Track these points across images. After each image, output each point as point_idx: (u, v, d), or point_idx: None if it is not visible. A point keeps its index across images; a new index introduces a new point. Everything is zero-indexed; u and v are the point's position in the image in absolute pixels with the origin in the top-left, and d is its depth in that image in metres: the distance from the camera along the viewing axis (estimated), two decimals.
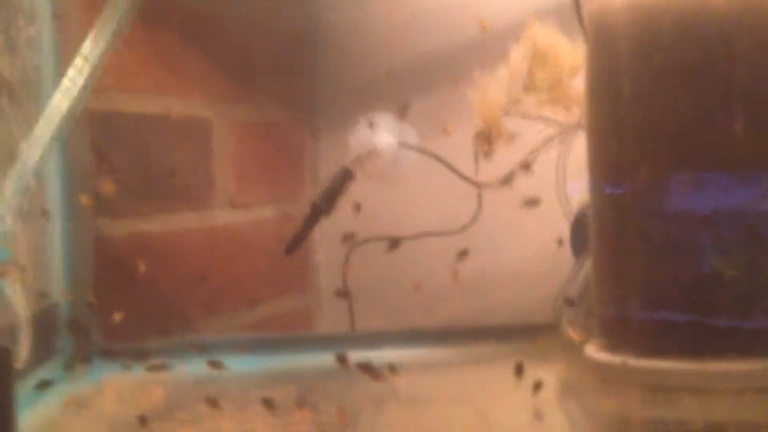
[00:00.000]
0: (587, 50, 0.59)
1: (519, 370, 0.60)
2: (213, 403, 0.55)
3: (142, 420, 0.52)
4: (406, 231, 0.85)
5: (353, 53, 1.15)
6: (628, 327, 0.57)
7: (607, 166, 0.58)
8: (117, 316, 0.70)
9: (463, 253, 0.71)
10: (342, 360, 0.63)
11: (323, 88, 1.18)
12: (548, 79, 0.62)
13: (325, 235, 1.20)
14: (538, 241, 0.80)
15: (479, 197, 0.77)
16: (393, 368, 0.61)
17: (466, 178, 0.71)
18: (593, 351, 0.60)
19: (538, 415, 0.54)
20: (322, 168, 1.20)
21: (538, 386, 0.56)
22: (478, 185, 0.72)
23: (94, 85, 0.71)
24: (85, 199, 0.77)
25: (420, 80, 1.03)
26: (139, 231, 0.91)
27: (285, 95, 1.14)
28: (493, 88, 0.64)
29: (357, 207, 0.78)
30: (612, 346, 0.59)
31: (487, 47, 0.70)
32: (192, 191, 0.99)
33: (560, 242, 0.77)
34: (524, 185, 0.77)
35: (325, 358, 0.66)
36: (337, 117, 1.18)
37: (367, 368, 0.60)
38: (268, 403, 0.54)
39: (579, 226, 0.70)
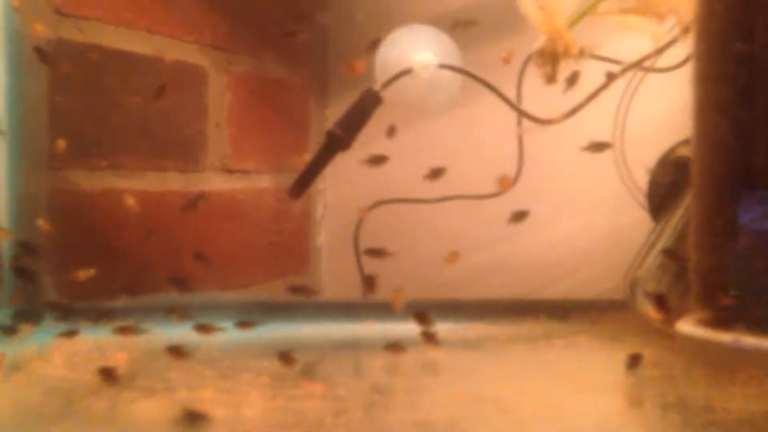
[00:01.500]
0: None
1: (634, 362, 0.46)
2: (186, 367, 0.41)
3: (91, 387, 0.37)
4: (431, 193, 0.71)
5: (367, 7, 1.03)
6: (744, 298, 0.44)
7: (728, 101, 0.44)
8: (81, 273, 0.57)
9: (518, 216, 0.57)
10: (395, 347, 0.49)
11: (335, 42, 1.05)
12: None
13: (329, 209, 1.08)
14: (591, 203, 0.67)
15: (520, 151, 0.64)
16: (431, 337, 0.48)
17: (522, 112, 0.57)
18: (691, 327, 0.47)
19: (628, 405, 0.41)
20: None
21: (634, 361, 0.43)
22: (539, 122, 0.57)
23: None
24: (61, 144, 0.64)
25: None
26: (115, 187, 0.78)
27: (291, 49, 1.01)
28: None
29: (392, 130, 0.64)
30: (717, 322, 0.45)
31: None
32: (180, 149, 0.86)
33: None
34: (572, 138, 0.63)
35: (337, 328, 0.52)
36: (348, 80, 1.05)
37: (421, 317, 0.46)
38: (287, 359, 0.40)
39: (657, 181, 0.57)
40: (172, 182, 0.86)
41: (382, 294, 0.72)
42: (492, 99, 0.66)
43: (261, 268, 0.99)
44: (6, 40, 0.69)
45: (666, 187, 0.54)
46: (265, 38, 0.97)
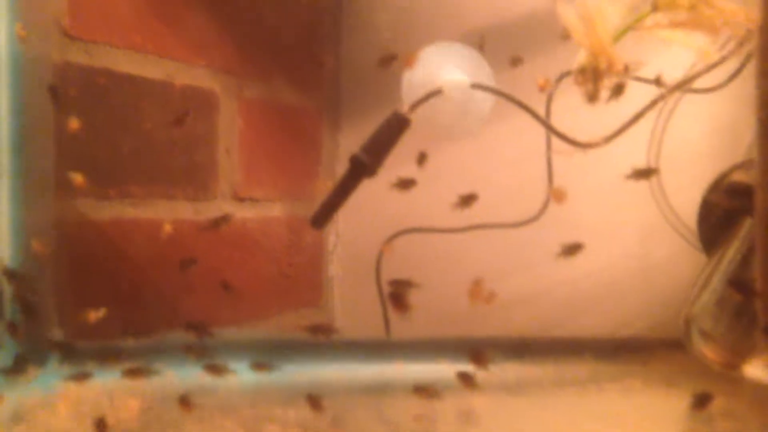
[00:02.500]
0: None
1: (702, 401, 0.41)
2: (204, 416, 0.37)
3: None
4: (451, 221, 0.68)
5: (382, 30, 1.00)
6: None
7: None
8: (92, 314, 0.53)
9: (572, 249, 0.53)
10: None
11: (347, 69, 1.02)
12: None
13: (341, 238, 1.04)
14: (624, 232, 0.63)
15: (549, 177, 0.60)
16: (469, 379, 0.43)
17: (560, 135, 0.53)
18: (762, 373, 0.42)
19: None
20: (340, 165, 1.04)
21: (702, 402, 0.38)
22: (578, 146, 0.54)
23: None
24: (78, 178, 0.60)
25: None
26: (124, 217, 0.75)
27: (303, 74, 0.98)
28: (604, 4, 0.46)
29: (422, 157, 0.60)
30: None
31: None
32: (190, 176, 0.83)
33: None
34: (603, 162, 0.60)
35: (361, 369, 0.48)
36: (362, 105, 1.02)
37: (478, 356, 0.41)
38: (316, 405, 0.36)
39: (711, 205, 0.53)
40: (181, 211, 0.82)
41: (404, 330, 0.68)
42: (517, 120, 0.63)
43: (272, 300, 0.95)
44: (11, 66, 0.66)
45: (719, 216, 0.50)
46: (276, 63, 0.94)
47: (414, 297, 0.74)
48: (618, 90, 0.48)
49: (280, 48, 0.94)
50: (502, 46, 0.66)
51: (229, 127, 0.88)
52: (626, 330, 0.58)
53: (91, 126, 0.72)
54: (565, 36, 0.47)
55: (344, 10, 1.01)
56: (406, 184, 0.57)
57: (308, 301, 1.02)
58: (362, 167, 0.59)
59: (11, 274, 0.53)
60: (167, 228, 0.61)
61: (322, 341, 0.55)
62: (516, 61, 0.57)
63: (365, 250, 1.04)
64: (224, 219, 0.66)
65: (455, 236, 0.68)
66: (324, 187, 0.99)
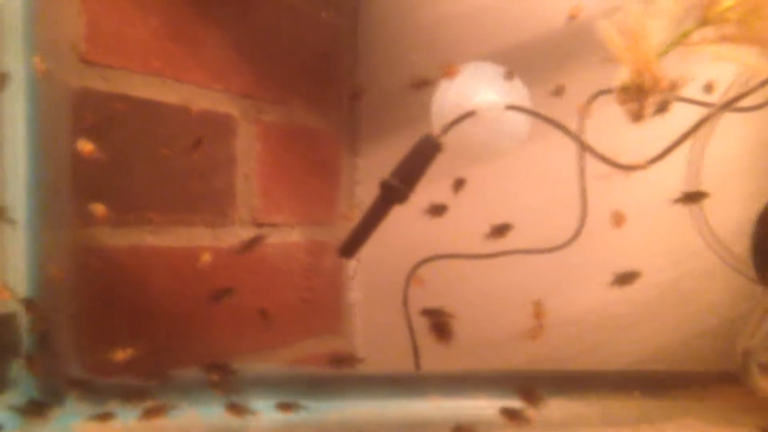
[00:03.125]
0: None
1: None
2: None
3: None
4: (482, 246, 0.65)
5: (400, 54, 0.98)
6: None
7: None
8: (119, 354, 0.50)
9: (626, 278, 0.50)
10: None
11: (367, 93, 1.00)
12: (741, 1, 0.43)
13: (362, 263, 1.02)
14: (664, 257, 0.60)
15: (583, 200, 0.58)
16: (516, 416, 0.41)
17: (602, 158, 0.51)
18: None
19: None
20: (360, 189, 1.02)
21: None
22: (621, 168, 0.51)
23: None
24: (100, 209, 0.58)
25: None
26: (142, 245, 0.73)
27: (321, 97, 0.97)
28: (647, 19, 0.44)
29: (460, 183, 0.58)
30: None
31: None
32: (208, 202, 0.81)
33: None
34: (638, 184, 0.57)
35: (394, 406, 0.45)
36: (380, 127, 1.00)
37: (529, 395, 0.39)
38: None
39: (764, 236, 0.50)
40: (200, 238, 0.80)
41: (430, 361, 0.65)
42: (546, 140, 0.61)
43: (292, 327, 0.93)
44: (27, 90, 0.64)
45: None
46: (294, 86, 0.92)
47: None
48: (663, 107, 0.46)
49: (297, 71, 0.93)
50: (527, 66, 0.65)
51: (248, 151, 0.86)
52: (667, 361, 0.55)
53: (108, 152, 0.70)
54: (605, 56, 0.45)
55: (361, 33, 1.00)
56: (438, 210, 0.55)
57: (328, 328, 0.99)
58: (393, 193, 0.56)
59: (29, 305, 0.51)
60: (206, 257, 0.59)
61: (349, 374, 0.52)
62: (559, 91, 0.55)
63: (387, 276, 1.02)
64: (257, 240, 0.64)
65: (482, 261, 0.65)
66: (345, 213, 0.97)
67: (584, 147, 0.49)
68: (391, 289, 0.96)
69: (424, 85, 0.58)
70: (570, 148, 0.58)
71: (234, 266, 0.84)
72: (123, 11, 0.71)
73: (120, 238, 0.71)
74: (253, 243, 0.63)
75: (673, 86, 0.45)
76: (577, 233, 0.57)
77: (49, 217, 0.57)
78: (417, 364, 0.61)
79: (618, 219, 0.51)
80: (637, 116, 0.45)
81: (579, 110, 0.52)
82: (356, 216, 0.62)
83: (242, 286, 0.85)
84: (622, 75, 0.45)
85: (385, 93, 0.99)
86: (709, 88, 0.46)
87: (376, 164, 1.01)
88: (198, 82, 0.79)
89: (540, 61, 0.69)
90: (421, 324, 0.73)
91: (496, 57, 0.90)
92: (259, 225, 0.88)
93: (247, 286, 0.86)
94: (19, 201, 0.55)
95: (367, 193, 1.02)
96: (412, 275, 0.63)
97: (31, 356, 0.48)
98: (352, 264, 1.03)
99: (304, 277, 0.95)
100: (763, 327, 0.48)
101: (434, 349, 0.72)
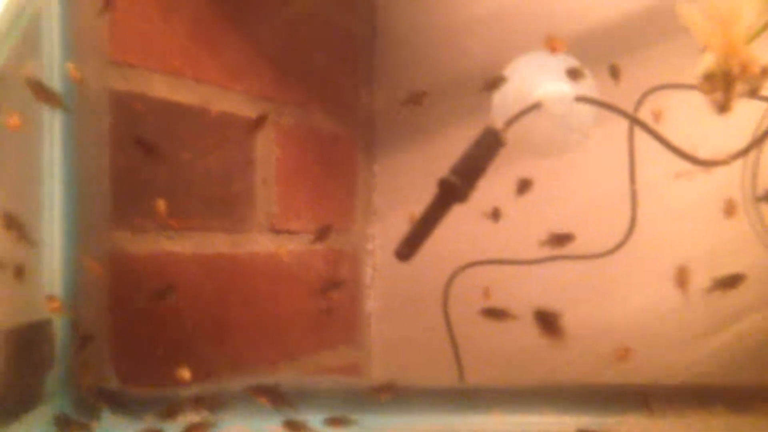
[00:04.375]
0: None
1: None
2: None
3: None
4: (526, 252, 0.62)
5: (418, 58, 0.97)
6: None
7: None
8: (184, 372, 0.47)
9: (726, 283, 0.47)
10: None
11: (382, 96, 0.98)
12: None
13: (379, 272, 0.99)
14: (723, 258, 0.57)
15: (633, 205, 0.55)
16: None
17: (679, 152, 0.47)
18: None
19: None
20: (377, 196, 1.00)
21: None
22: (702, 164, 0.47)
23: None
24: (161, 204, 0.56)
25: None
26: (161, 250, 0.70)
27: (338, 101, 0.94)
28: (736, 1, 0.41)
29: (525, 184, 0.54)
30: None
31: None
32: (227, 207, 0.78)
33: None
34: (690, 186, 0.54)
35: (450, 420, 0.42)
36: (396, 133, 0.98)
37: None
38: None
39: None
40: (219, 244, 0.77)
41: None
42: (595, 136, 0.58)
43: (309, 337, 0.90)
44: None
45: None
46: (312, 89, 0.90)
47: (471, 336, 0.69)
48: (753, 93, 0.42)
49: (315, 74, 0.91)
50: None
51: (267, 155, 0.84)
52: (743, 373, 0.52)
53: (125, 154, 0.67)
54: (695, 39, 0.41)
55: (379, 38, 0.98)
56: (495, 214, 0.52)
57: (345, 338, 0.96)
58: (453, 191, 0.53)
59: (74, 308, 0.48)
60: (285, 257, 0.56)
61: (401, 386, 0.49)
62: (615, 71, 0.52)
63: (404, 284, 0.99)
64: (325, 231, 0.61)
65: (520, 268, 0.63)
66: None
67: (662, 141, 0.47)
68: (408, 299, 0.93)
69: (497, 84, 0.55)
70: (617, 146, 0.56)
71: (251, 274, 0.82)
72: (145, 9, 0.68)
73: (139, 245, 0.69)
74: (322, 233, 0.60)
75: (765, 73, 0.41)
76: (627, 237, 0.54)
77: (86, 223, 0.54)
78: (461, 376, 0.58)
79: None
80: (723, 107, 0.42)
81: (653, 112, 0.49)
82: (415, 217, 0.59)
83: (259, 295, 0.82)
84: (706, 62, 0.42)
85: (400, 98, 0.97)
86: None
87: (392, 170, 0.99)
88: (218, 82, 0.77)
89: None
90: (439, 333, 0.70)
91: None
92: (277, 232, 0.85)
93: (263, 295, 0.83)
94: (56, 208, 0.52)
95: (383, 201, 0.99)
96: (450, 282, 0.60)
97: (84, 363, 0.45)
98: (368, 272, 1.00)
99: (320, 286, 0.92)
100: None
101: (466, 361, 0.70)
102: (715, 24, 0.40)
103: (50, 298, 0.44)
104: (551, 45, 0.50)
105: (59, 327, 0.47)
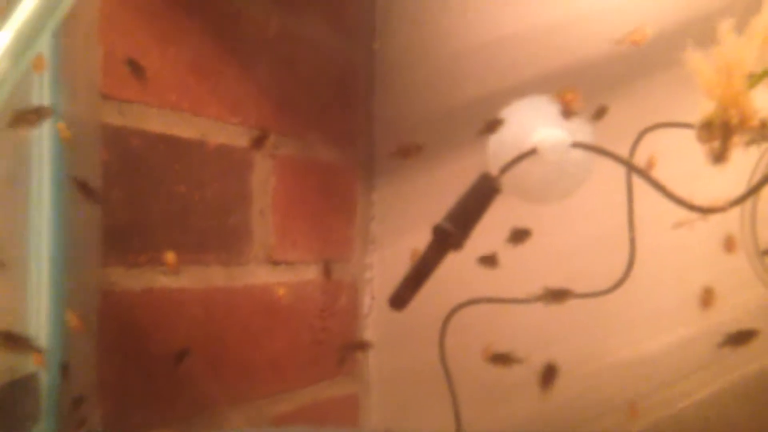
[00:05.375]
0: None
1: None
2: None
3: None
4: (508, 290, 0.61)
5: (417, 88, 0.97)
6: None
7: None
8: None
9: (738, 339, 0.46)
10: None
11: (380, 123, 0.98)
12: None
13: (377, 301, 0.98)
14: (720, 303, 0.57)
15: (632, 244, 0.55)
16: None
17: (676, 199, 0.47)
18: None
19: None
20: (375, 225, 0.99)
21: None
22: (699, 211, 0.47)
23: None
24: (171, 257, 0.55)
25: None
26: (157, 286, 0.69)
27: (336, 131, 0.94)
28: (736, 44, 0.40)
29: (522, 233, 0.53)
30: None
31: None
32: (223, 240, 0.78)
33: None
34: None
35: None
36: (395, 162, 0.98)
37: None
38: None
39: None
40: (214, 278, 0.77)
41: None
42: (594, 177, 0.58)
43: (306, 369, 0.89)
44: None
45: None
46: (310, 120, 0.90)
47: (474, 371, 0.68)
48: (751, 144, 0.42)
49: (313, 104, 0.90)
50: None
51: (264, 186, 0.83)
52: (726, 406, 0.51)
53: (122, 189, 0.67)
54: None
55: (377, 68, 0.98)
56: (489, 260, 0.51)
57: (343, 370, 0.95)
58: (447, 239, 0.52)
59: (65, 371, 0.47)
60: (281, 291, 0.56)
61: None
62: (600, 113, 0.52)
63: (403, 315, 0.98)
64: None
65: (516, 307, 0.62)
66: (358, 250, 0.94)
67: (658, 188, 0.46)
68: (406, 329, 0.93)
69: (495, 127, 0.54)
70: (615, 189, 0.55)
71: (248, 307, 0.81)
72: (140, 43, 0.68)
73: (132, 280, 0.68)
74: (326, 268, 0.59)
75: (764, 125, 0.41)
76: (625, 277, 0.53)
77: (73, 262, 0.53)
78: (459, 427, 0.57)
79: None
80: (719, 157, 0.42)
81: (649, 159, 0.49)
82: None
83: (256, 328, 0.81)
84: (705, 110, 0.42)
85: (400, 128, 0.97)
86: None
87: (390, 200, 0.98)
88: (215, 115, 0.77)
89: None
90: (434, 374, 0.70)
91: (514, 90, 0.88)
92: (275, 263, 0.85)
93: (260, 328, 0.82)
94: (44, 246, 0.51)
95: (382, 230, 0.99)
96: (449, 320, 0.59)
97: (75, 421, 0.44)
98: (366, 301, 1.00)
99: (318, 317, 0.92)
100: None
101: (463, 396, 0.69)
102: (719, 73, 0.40)
103: (35, 352, 0.43)
104: (563, 100, 0.49)
105: (46, 379, 0.47)
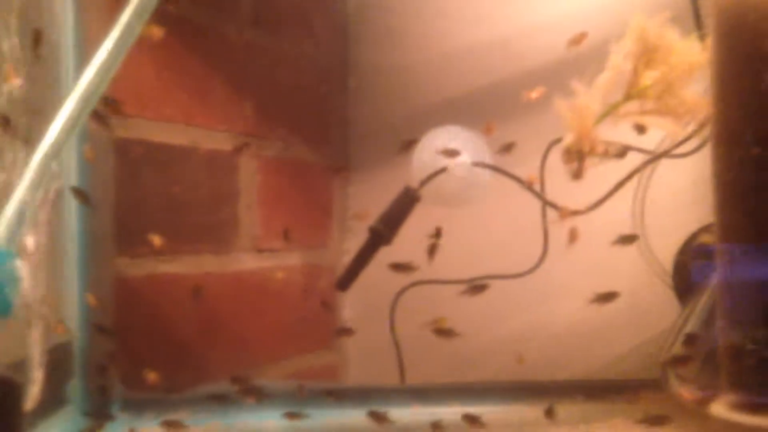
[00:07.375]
0: (714, 45, 0.51)
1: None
2: None
3: None
4: (456, 273, 0.74)
5: (389, 91, 1.07)
6: None
7: (742, 182, 0.49)
8: (151, 375, 0.60)
9: (607, 297, 0.59)
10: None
11: (354, 124, 1.09)
12: (657, 82, 0.54)
13: (355, 283, 1.10)
14: (619, 283, 0.69)
15: (545, 235, 0.67)
16: (475, 420, 0.50)
17: (550, 204, 0.61)
18: (725, 411, 0.49)
19: None
20: (351, 215, 1.11)
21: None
22: (566, 213, 0.61)
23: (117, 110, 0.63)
24: (156, 239, 0.68)
25: (466, 117, 0.95)
26: (157, 272, 0.81)
27: (314, 133, 1.05)
28: (586, 94, 0.55)
29: (437, 234, 0.68)
30: (753, 406, 0.48)
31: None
32: (215, 232, 0.90)
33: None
34: (590, 221, 0.67)
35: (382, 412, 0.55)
36: (369, 159, 1.09)
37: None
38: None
39: (682, 263, 0.60)
40: (207, 265, 0.89)
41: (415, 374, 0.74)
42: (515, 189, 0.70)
43: (290, 343, 1.01)
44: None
45: (690, 272, 0.57)
46: (291, 124, 1.01)
47: (417, 342, 0.81)
48: (622, 154, 0.55)
49: (292, 111, 1.01)
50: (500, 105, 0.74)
51: (250, 184, 0.94)
52: (610, 371, 0.64)
53: (126, 191, 0.79)
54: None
55: (351, 73, 1.09)
56: (404, 267, 0.65)
57: (323, 344, 1.07)
58: (379, 237, 0.67)
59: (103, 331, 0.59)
60: (279, 275, 0.69)
61: (345, 387, 0.62)
62: (508, 148, 0.65)
63: (377, 295, 1.10)
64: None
65: (459, 287, 0.75)
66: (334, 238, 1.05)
67: (536, 195, 0.59)
68: (380, 308, 1.05)
69: (409, 146, 0.68)
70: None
71: (238, 289, 0.93)
72: (140, 69, 0.80)
73: (136, 268, 0.80)
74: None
75: (608, 151, 0.55)
76: (540, 262, 0.66)
77: (95, 254, 0.66)
78: (402, 378, 0.71)
79: (572, 236, 0.61)
80: (576, 175, 0.56)
81: (529, 180, 0.62)
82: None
83: (245, 307, 0.93)
84: (567, 140, 0.55)
85: (372, 129, 1.08)
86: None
87: (365, 192, 1.10)
88: (205, 125, 0.88)
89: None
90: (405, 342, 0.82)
91: (475, 95, 0.99)
92: (260, 251, 0.97)
93: (249, 308, 0.94)
94: (73, 245, 0.63)
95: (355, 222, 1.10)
96: (397, 300, 0.73)
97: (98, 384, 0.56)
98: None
99: (301, 297, 1.03)
100: (678, 342, 0.58)
101: (419, 364, 0.82)
102: (575, 114, 0.53)
103: (59, 324, 0.56)
104: (487, 127, 0.62)
105: (76, 346, 0.60)
